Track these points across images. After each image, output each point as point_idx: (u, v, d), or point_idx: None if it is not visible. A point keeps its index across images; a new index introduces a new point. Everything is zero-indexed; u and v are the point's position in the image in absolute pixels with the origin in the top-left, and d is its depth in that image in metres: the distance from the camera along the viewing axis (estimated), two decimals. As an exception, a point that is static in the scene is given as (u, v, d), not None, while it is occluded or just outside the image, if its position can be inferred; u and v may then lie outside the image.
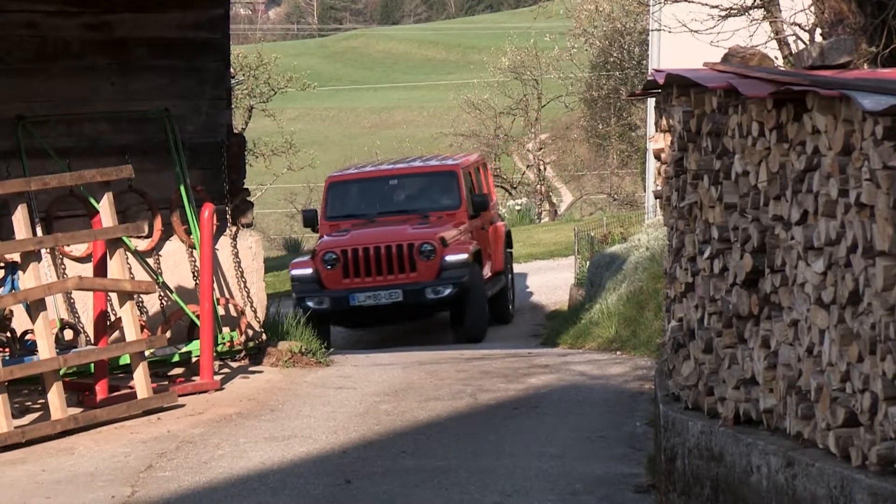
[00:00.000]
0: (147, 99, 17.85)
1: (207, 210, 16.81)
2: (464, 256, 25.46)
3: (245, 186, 18.96)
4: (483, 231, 27.60)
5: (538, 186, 57.61)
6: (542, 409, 15.75)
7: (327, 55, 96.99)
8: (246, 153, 19.84)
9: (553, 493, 12.28)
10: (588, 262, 29.98)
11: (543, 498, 12.13)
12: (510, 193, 56.97)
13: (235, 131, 19.44)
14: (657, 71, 12.55)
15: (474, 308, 25.72)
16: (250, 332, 17.94)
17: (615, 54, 47.65)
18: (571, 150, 58.03)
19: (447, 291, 25.32)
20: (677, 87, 11.75)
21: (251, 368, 17.68)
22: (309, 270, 25.62)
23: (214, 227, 17.05)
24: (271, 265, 33.34)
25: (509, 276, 29.45)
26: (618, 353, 19.69)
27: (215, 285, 17.23)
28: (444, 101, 62.19)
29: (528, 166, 58.56)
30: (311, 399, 16.15)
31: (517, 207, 54.56)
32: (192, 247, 17.67)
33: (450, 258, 25.34)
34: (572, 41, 51.39)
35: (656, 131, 12.97)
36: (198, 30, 18.52)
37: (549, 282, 33.13)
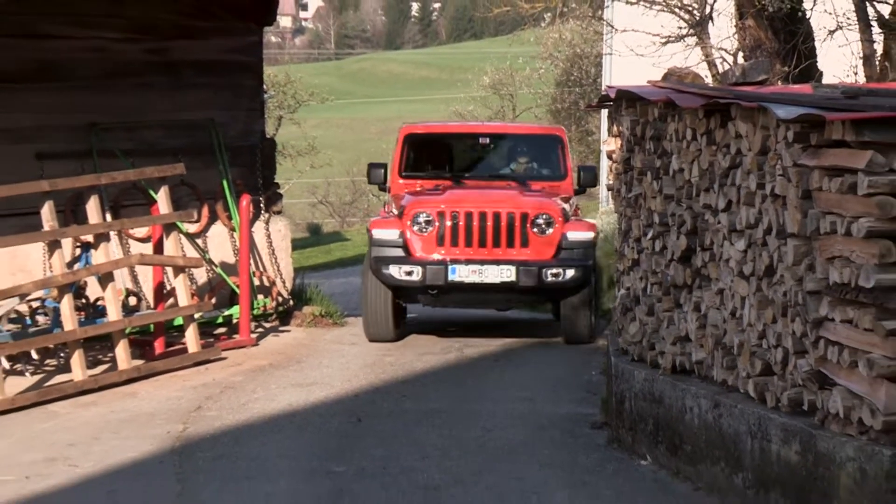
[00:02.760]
0: (195, 110, 17.82)
1: (245, 200, 16.83)
2: (589, 235, 16.52)
3: (275, 181, 18.99)
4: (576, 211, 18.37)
5: (513, 181, 57.80)
6: (516, 360, 15.75)
7: (342, 75, 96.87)
8: (276, 154, 19.85)
9: (525, 428, 12.27)
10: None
11: (518, 432, 12.11)
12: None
13: (267, 136, 19.43)
14: (609, 87, 12.53)
15: (582, 302, 16.53)
16: (280, 299, 17.96)
17: (575, 73, 47.59)
18: (540, 152, 57.98)
19: (570, 274, 16.08)
20: (626, 100, 11.73)
21: (281, 328, 17.69)
22: (395, 232, 16.19)
23: (251, 213, 17.04)
24: (296, 245, 33.21)
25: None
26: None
27: (251, 261, 17.20)
28: (437, 112, 62.10)
29: (504, 164, 58.65)
30: (329, 353, 16.15)
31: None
32: (232, 230, 17.66)
33: (573, 236, 16.35)
34: (540, 63, 51.36)
35: (609, 136, 12.96)
36: (236, 53, 18.51)
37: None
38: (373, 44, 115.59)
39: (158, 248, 15.82)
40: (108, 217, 15.75)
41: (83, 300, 15.20)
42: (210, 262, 17.46)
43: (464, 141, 18.45)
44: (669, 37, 18.95)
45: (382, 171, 17.55)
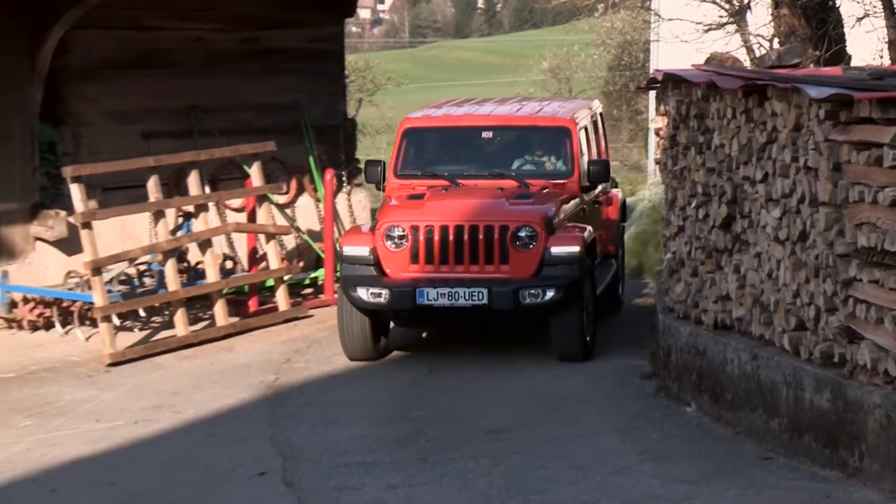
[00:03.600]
0: (284, 93, 17.84)
1: (329, 174, 16.84)
2: (573, 249, 12.83)
3: (356, 157, 19.01)
4: (597, 206, 14.69)
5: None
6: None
7: (415, 61, 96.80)
8: (356, 132, 19.87)
9: (582, 378, 12.25)
10: (606, 211, 29.48)
11: (573, 382, 12.10)
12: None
13: (349, 117, 19.45)
14: (657, 71, 12.47)
15: (571, 321, 12.87)
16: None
17: (625, 59, 47.36)
18: (594, 129, 57.85)
19: (549, 295, 12.66)
20: (672, 82, 11.65)
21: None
22: (365, 249, 12.89)
23: (334, 186, 17.06)
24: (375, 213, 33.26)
25: (621, 254, 15.91)
26: (629, 277, 19.57)
27: (335, 228, 17.23)
28: (501, 94, 62.04)
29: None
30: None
31: (554, 171, 54.74)
32: (317, 201, 17.68)
33: (556, 250, 12.82)
34: (594, 49, 51.14)
35: (656, 115, 12.89)
36: (321, 42, 18.53)
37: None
38: (443, 33, 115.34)
39: (252, 217, 15.88)
40: (207, 189, 15.80)
41: (185, 264, 15.28)
42: (298, 229, 17.49)
43: (466, 135, 14.24)
44: (711, 24, 18.81)
45: (379, 168, 13.81)
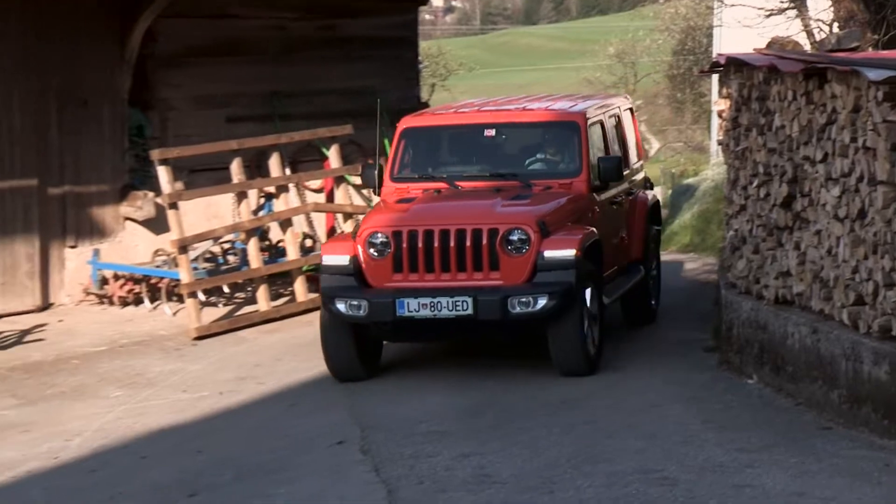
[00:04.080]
0: (362, 79, 17.88)
1: (403, 156, 16.87)
2: (568, 253, 11.14)
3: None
4: (615, 207, 12.74)
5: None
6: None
7: (486, 47, 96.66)
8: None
9: (648, 351, 12.21)
10: (670, 190, 29.42)
11: (642, 354, 12.05)
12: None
13: (422, 101, 19.45)
14: (720, 55, 12.37)
15: (569, 331, 11.12)
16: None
17: (689, 43, 47.09)
18: (658, 112, 57.49)
19: (540, 303, 10.97)
20: (734, 66, 11.57)
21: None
22: (345, 258, 11.36)
23: (408, 167, 17.08)
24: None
25: (654, 262, 13.89)
26: (692, 254, 19.49)
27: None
28: (568, 79, 61.78)
29: (627, 123, 58.37)
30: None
31: (620, 153, 54.66)
32: (393, 181, 17.70)
33: (549, 254, 11.11)
34: (658, 34, 50.90)
35: (719, 98, 12.79)
36: (396, 30, 18.56)
37: (642, 204, 32.67)
38: (513, 20, 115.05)
39: (330, 198, 15.94)
40: (288, 171, 15.88)
41: (267, 242, 15.36)
42: (373, 208, 17.53)
43: (468, 133, 12.65)
44: (773, 10, 18.64)
45: (376, 172, 12.41)
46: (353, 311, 11.07)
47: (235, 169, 14.57)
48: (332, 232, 16.09)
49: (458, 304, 10.94)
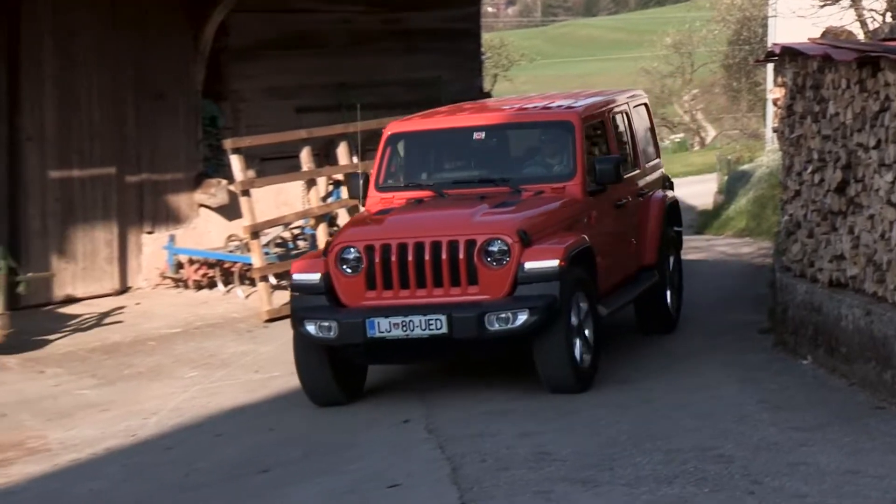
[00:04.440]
0: (425, 70, 17.90)
1: (466, 144, 16.85)
2: (551, 264, 9.89)
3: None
4: (619, 210, 11.46)
5: (691, 125, 57.16)
6: (695, 276, 15.54)
7: (547, 38, 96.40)
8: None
9: (704, 333, 12.15)
10: (726, 177, 29.28)
11: (698, 336, 11.99)
12: (672, 130, 56.71)
13: (485, 91, 19.43)
14: (775, 44, 12.26)
15: (556, 346, 9.91)
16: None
17: (745, 33, 46.77)
18: (714, 101, 57.17)
19: (520, 319, 9.75)
20: (789, 55, 11.47)
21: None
22: (316, 276, 10.19)
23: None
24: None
25: (669, 267, 12.31)
26: (747, 238, 19.38)
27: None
28: (626, 69, 61.52)
29: (684, 112, 57.98)
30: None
31: (676, 139, 54.37)
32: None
33: (530, 265, 9.90)
34: (715, 25, 50.61)
35: (774, 86, 12.69)
36: (459, 22, 18.56)
37: (699, 190, 32.64)
38: (573, 12, 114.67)
39: (396, 185, 15.95)
40: (356, 159, 15.92)
41: (335, 228, 15.39)
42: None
43: (457, 138, 11.37)
44: (827, 0, 18.49)
45: (362, 181, 11.25)
46: (324, 333, 9.86)
47: (305, 157, 14.62)
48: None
49: (431, 322, 9.70)
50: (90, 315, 14.06)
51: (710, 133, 56.20)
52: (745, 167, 28.17)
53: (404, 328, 9.76)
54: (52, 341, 12.98)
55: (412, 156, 11.50)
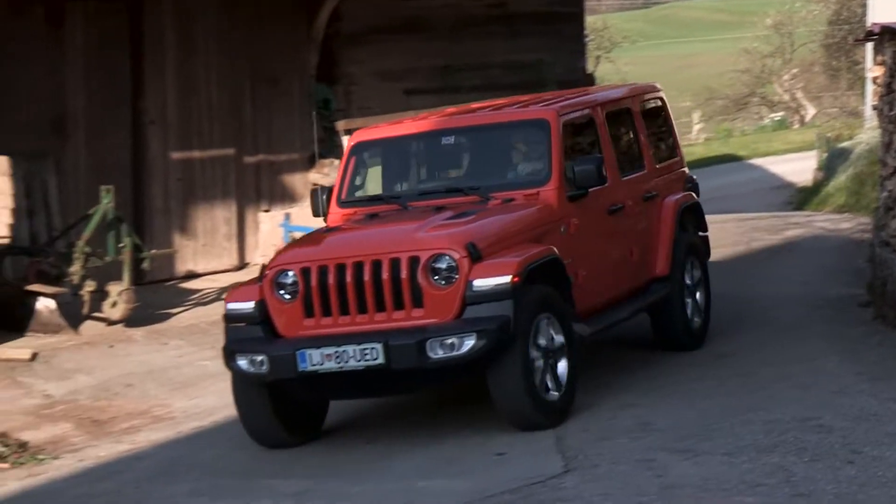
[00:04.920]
0: (528, 52, 17.85)
1: (570, 124, 16.77)
2: (502, 280, 8.36)
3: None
4: (615, 215, 9.89)
5: (791, 104, 56.46)
6: (795, 252, 15.37)
7: (649, 20, 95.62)
8: (595, 84, 19.75)
9: (803, 306, 12.00)
10: (825, 154, 28.77)
11: (795, 310, 11.85)
12: (771, 109, 56.04)
13: (588, 72, 19.34)
14: (874, 24, 12.05)
15: (511, 374, 8.39)
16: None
17: (844, 13, 46.07)
18: (814, 80, 56.39)
19: (467, 345, 8.23)
20: (888, 34, 11.26)
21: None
22: (250, 305, 8.77)
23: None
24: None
25: (689, 278, 10.64)
26: (846, 214, 19.09)
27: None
28: (728, 50, 60.86)
29: (784, 91, 57.28)
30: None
31: (776, 118, 53.71)
32: (560, 148, 17.64)
33: (479, 283, 8.37)
34: (815, 5, 49.90)
35: (873, 65, 12.47)
36: (561, 5, 18.49)
37: (798, 167, 32.17)
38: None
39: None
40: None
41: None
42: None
43: (425, 145, 9.97)
44: (926, -22, 18.13)
45: (324, 196, 9.79)
46: (256, 368, 8.54)
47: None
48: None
49: (366, 352, 8.29)
50: (210, 290, 14.24)
51: (810, 111, 55.41)
52: (845, 144, 27.67)
53: (338, 360, 8.34)
54: (174, 314, 13.16)
55: (380, 166, 10.02)
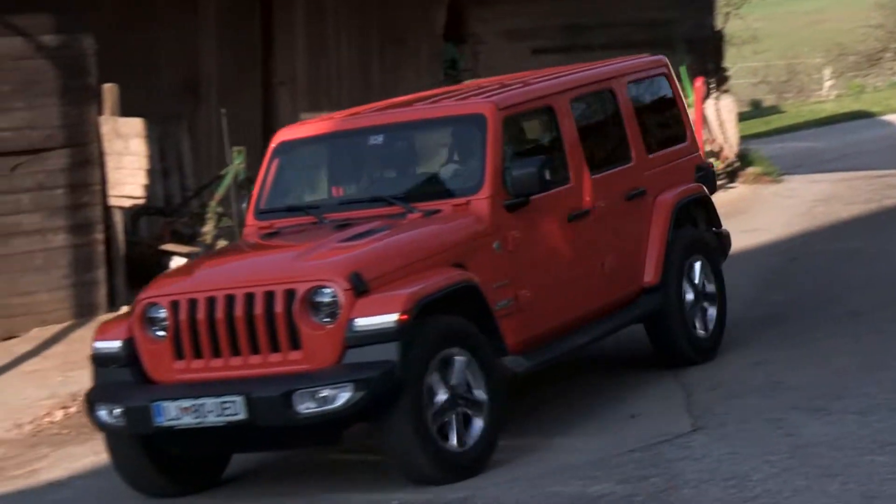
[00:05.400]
0: (656, 10, 17.70)
1: (699, 81, 16.65)
2: (386, 319, 6.91)
3: (723, 65, 18.69)
4: (579, 220, 8.21)
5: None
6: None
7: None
8: (723, 44, 19.53)
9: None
10: None
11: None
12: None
13: (717, 29, 19.11)
14: None
15: (402, 426, 6.97)
16: (727, 161, 17.67)
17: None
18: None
19: (343, 398, 6.82)
20: None
21: (728, 185, 17.37)
22: (116, 343, 7.40)
23: (703, 92, 16.84)
24: (741, 117, 32.22)
25: (691, 284, 8.92)
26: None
27: (704, 131, 16.98)
28: (860, 5, 59.56)
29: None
30: (769, 205, 15.82)
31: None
32: (688, 106, 17.42)
33: (362, 322, 6.93)
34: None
35: None
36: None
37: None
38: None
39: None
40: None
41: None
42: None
43: (353, 146, 8.40)
44: None
45: (244, 205, 8.63)
46: (116, 420, 7.29)
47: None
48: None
49: (226, 406, 7.00)
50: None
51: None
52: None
53: (195, 414, 7.06)
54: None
55: (302, 170, 8.62)
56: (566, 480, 6.90)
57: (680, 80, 17.45)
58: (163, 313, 7.29)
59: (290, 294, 7.05)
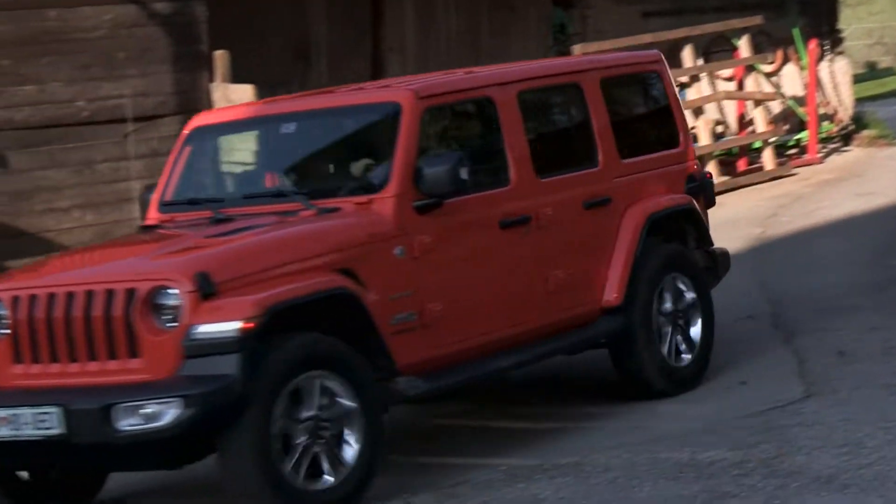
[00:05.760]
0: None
1: (812, 43, 16.34)
2: (228, 327, 5.94)
3: (837, 27, 18.34)
4: (515, 228, 7.13)
5: None
6: None
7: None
8: (838, 4, 19.17)
9: None
10: None
11: None
12: None
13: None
14: None
15: (243, 447, 5.99)
16: (841, 124, 17.36)
17: None
18: None
19: (169, 416, 5.87)
20: None
21: (842, 148, 17.09)
22: None
23: (817, 54, 16.55)
24: (855, 79, 31.70)
25: (653, 308, 7.67)
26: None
27: (818, 93, 16.70)
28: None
29: None
30: (884, 168, 15.51)
31: None
32: (801, 69, 17.16)
33: (202, 329, 5.97)
34: None
35: None
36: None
37: None
38: None
39: (740, 86, 15.65)
40: (700, 61, 15.64)
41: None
42: (783, 95, 17.05)
43: (265, 134, 7.64)
44: None
45: (151, 196, 7.68)
46: None
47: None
48: (741, 118, 15.81)
49: (42, 418, 6.16)
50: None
51: None
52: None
53: (12, 426, 6.24)
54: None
55: (211, 159, 7.76)
56: (676, 447, 6.83)
57: (794, 42, 17.20)
58: (3, 311, 6.48)
59: (130, 294, 6.20)
